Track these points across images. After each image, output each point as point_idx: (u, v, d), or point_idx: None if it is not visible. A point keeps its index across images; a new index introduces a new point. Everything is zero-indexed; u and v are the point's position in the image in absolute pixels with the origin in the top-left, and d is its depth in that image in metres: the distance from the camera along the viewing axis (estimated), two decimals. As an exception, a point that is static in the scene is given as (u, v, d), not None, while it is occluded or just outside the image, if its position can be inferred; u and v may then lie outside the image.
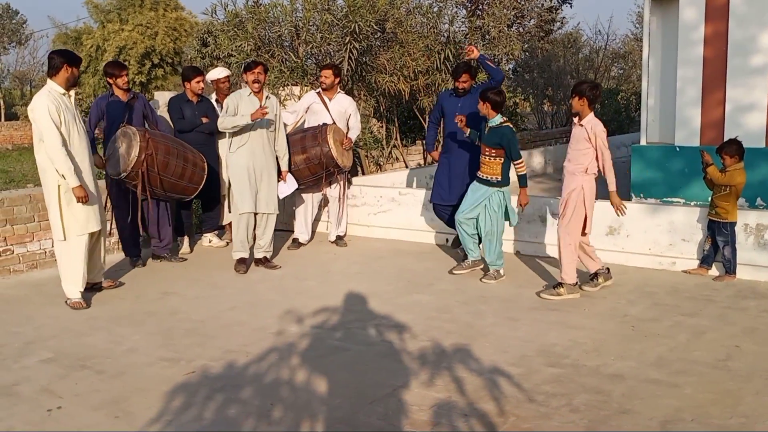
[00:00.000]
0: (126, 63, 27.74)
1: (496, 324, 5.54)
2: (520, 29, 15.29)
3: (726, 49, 9.21)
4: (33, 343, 5.26)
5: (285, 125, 7.69)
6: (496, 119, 6.58)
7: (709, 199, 6.78)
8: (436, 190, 7.51)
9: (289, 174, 7.53)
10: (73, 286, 6.14)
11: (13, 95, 42.42)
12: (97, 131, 7.42)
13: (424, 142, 10.61)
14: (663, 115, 10.02)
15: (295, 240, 8.39)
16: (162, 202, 7.54)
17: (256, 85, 7.03)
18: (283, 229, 8.48)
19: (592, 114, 6.11)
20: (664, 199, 9.62)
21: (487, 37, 11.67)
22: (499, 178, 6.61)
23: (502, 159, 6.56)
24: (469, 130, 6.84)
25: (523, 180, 6.63)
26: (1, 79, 40.02)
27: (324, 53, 10.59)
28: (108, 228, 6.91)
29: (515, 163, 6.54)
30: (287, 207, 8.59)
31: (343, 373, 4.63)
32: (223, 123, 7.05)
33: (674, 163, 9.67)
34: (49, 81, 5.94)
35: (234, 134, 7.10)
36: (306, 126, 8.15)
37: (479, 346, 5.04)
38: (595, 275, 6.39)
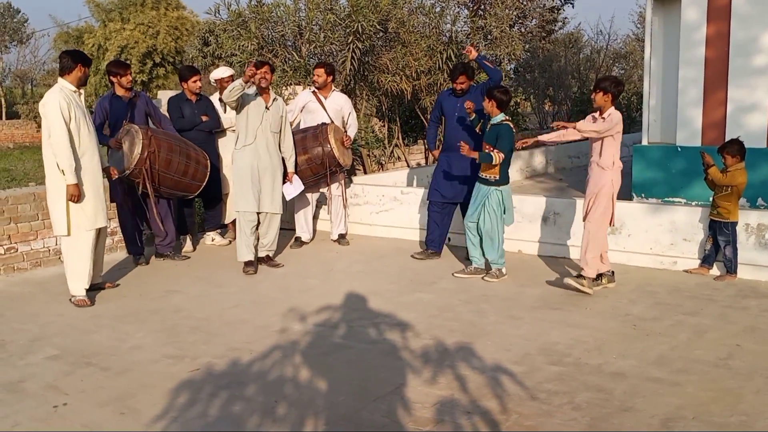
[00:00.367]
0: (127, 62, 27.81)
1: (499, 323, 5.57)
2: (522, 29, 15.32)
3: (728, 50, 9.23)
4: (38, 340, 5.29)
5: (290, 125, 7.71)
6: (498, 117, 6.64)
7: (711, 199, 6.81)
8: (434, 188, 7.54)
9: (295, 175, 7.54)
10: (79, 283, 6.18)
11: (14, 94, 42.44)
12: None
13: (425, 141, 10.63)
14: (664, 116, 10.04)
15: (297, 239, 8.42)
16: (165, 200, 7.57)
17: (263, 81, 7.05)
18: (286, 228, 8.51)
19: (613, 109, 6.16)
20: (666, 198, 9.64)
21: (489, 37, 11.71)
22: (497, 177, 6.64)
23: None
24: (474, 114, 6.89)
25: (487, 157, 6.51)
26: (2, 78, 40.04)
27: (327, 53, 10.63)
28: (110, 226, 6.94)
29: (496, 151, 6.52)
30: (288, 206, 8.61)
31: (347, 370, 4.66)
32: (226, 96, 6.92)
33: (676, 163, 9.69)
34: (60, 79, 6.07)
35: (240, 132, 7.12)
36: (303, 125, 8.16)
37: (482, 345, 5.07)
38: (600, 276, 6.42)
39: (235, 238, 7.74)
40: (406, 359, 4.83)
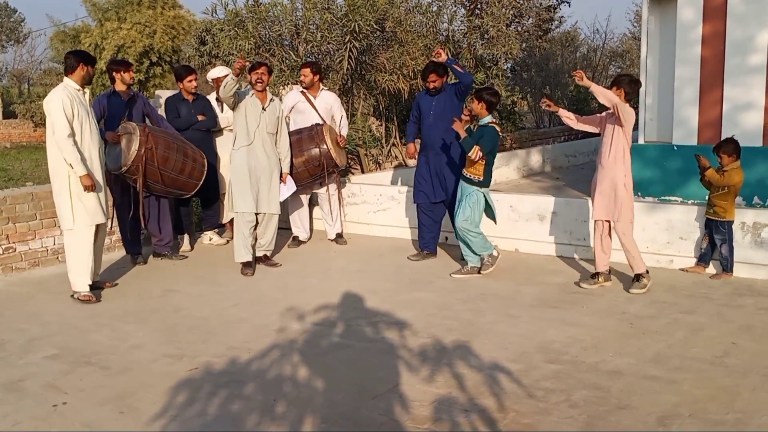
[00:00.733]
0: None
1: (496, 321, 5.59)
2: (519, 28, 15.34)
3: (724, 49, 9.26)
4: (38, 339, 5.31)
5: (288, 125, 7.71)
6: (486, 119, 6.70)
7: (707, 197, 6.84)
8: (418, 191, 7.54)
9: (288, 176, 7.55)
10: (82, 278, 6.24)
11: (11, 93, 42.33)
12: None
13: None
14: (661, 114, 10.07)
15: (295, 238, 8.44)
16: (162, 200, 7.59)
17: (259, 84, 7.07)
18: (283, 227, 8.53)
19: (627, 105, 6.17)
20: (662, 197, 9.67)
21: (485, 36, 11.73)
22: (481, 178, 6.72)
23: (484, 160, 6.66)
24: (463, 132, 6.72)
25: (467, 145, 6.53)
26: (-1, 77, 40.00)
27: (324, 52, 10.64)
28: (110, 225, 6.96)
29: (478, 147, 6.52)
30: (283, 206, 8.62)
31: (345, 369, 4.68)
32: (222, 93, 6.91)
33: (672, 162, 9.72)
34: (65, 78, 6.20)
35: (237, 133, 7.14)
36: (293, 126, 8.14)
37: (479, 343, 5.09)
38: (597, 274, 6.45)
39: (232, 238, 7.76)
40: (404, 358, 4.86)
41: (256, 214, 7.23)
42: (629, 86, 6.17)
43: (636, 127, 10.41)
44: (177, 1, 32.29)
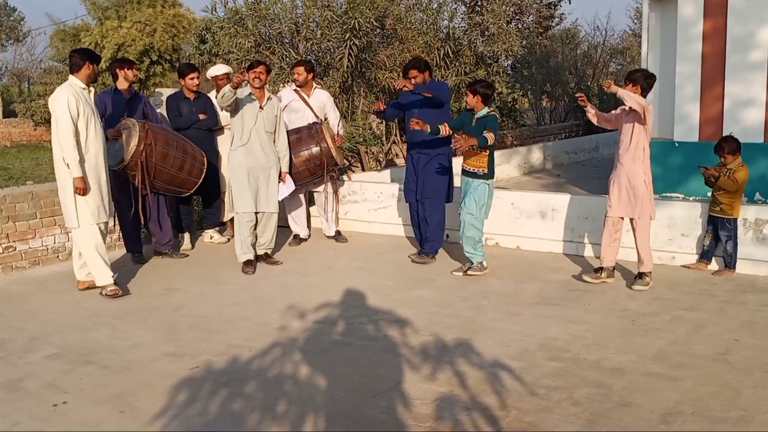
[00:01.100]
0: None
1: (497, 319, 5.58)
2: (519, 25, 15.30)
3: (725, 45, 9.24)
4: (37, 338, 5.29)
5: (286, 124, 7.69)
6: (483, 111, 6.67)
7: (710, 195, 6.81)
8: (409, 189, 7.47)
9: (288, 175, 7.51)
10: (104, 274, 6.29)
11: (11, 92, 42.32)
12: None
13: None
14: (662, 111, 10.04)
15: (296, 236, 8.42)
16: (162, 198, 7.57)
17: (257, 82, 7.05)
18: (284, 225, 8.51)
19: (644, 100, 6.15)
20: (664, 194, 9.65)
21: (486, 33, 11.71)
22: (485, 170, 6.68)
23: (488, 151, 6.62)
24: (427, 127, 6.65)
25: (482, 140, 6.49)
26: (-1, 76, 39.94)
27: (324, 50, 10.62)
28: (111, 224, 6.96)
29: (487, 133, 6.50)
30: (281, 204, 8.59)
31: (346, 367, 4.66)
32: (219, 102, 7.00)
33: (673, 159, 9.70)
34: (71, 77, 6.20)
35: (235, 132, 7.12)
36: (288, 124, 8.10)
37: (480, 341, 5.08)
38: (601, 269, 6.43)
39: (233, 236, 7.74)
40: (406, 356, 4.84)
41: (256, 213, 7.20)
42: (646, 81, 6.14)
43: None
44: (177, -1, 32.23)
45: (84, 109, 6.06)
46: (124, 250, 7.75)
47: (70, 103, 5.96)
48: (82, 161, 6.06)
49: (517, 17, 15.47)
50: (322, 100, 8.19)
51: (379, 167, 11.20)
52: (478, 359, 4.75)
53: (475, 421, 3.90)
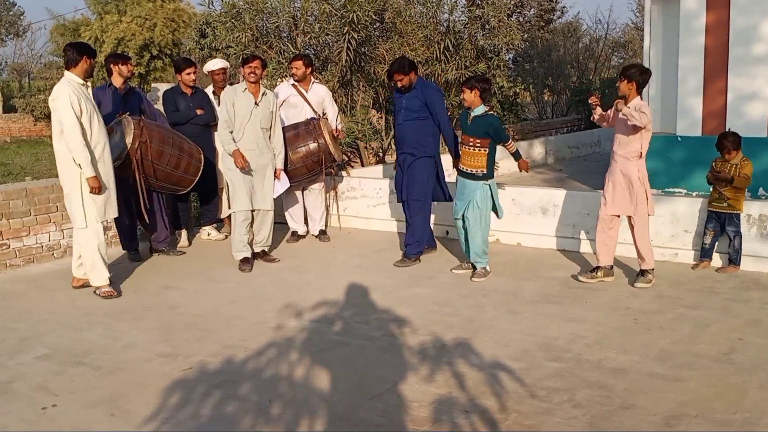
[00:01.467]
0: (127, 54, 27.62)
1: (497, 317, 5.48)
2: (521, 18, 15.20)
3: (728, 38, 9.12)
4: (29, 338, 5.21)
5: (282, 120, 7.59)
6: (480, 109, 6.43)
7: (715, 191, 6.66)
8: (400, 189, 7.32)
9: (282, 172, 7.39)
10: (101, 274, 6.18)
11: (12, 87, 42.20)
12: None
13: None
14: (664, 105, 9.93)
15: (294, 233, 8.33)
16: (158, 195, 7.47)
17: (252, 77, 6.94)
18: (281, 221, 8.42)
19: (639, 98, 6.02)
20: (666, 189, 9.55)
21: (486, 26, 11.59)
22: (484, 171, 6.45)
23: (487, 150, 6.40)
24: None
25: (517, 155, 6.62)
26: (-1, 71, 39.78)
27: (322, 44, 10.51)
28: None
29: (506, 145, 6.45)
30: (278, 201, 8.49)
31: (343, 368, 4.57)
32: (220, 137, 7.06)
33: (676, 153, 9.59)
34: (67, 73, 6.04)
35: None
36: (285, 120, 8.00)
37: (480, 340, 4.98)
38: (597, 268, 6.33)
39: (231, 233, 7.64)
40: (404, 356, 4.75)
41: (252, 211, 7.11)
42: (641, 77, 5.99)
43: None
44: (177, -7, 32.10)
45: (85, 105, 5.93)
46: (119, 248, 7.64)
47: (72, 101, 5.82)
48: (93, 160, 5.96)
49: (518, 10, 15.38)
50: (320, 94, 8.07)
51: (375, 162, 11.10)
52: (477, 360, 4.65)
53: (473, 424, 3.81)
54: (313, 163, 7.69)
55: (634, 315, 5.47)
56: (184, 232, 8.16)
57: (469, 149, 6.45)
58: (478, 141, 6.39)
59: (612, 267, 6.37)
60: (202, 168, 7.45)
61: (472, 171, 6.48)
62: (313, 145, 7.63)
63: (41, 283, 6.66)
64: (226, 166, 7.11)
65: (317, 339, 5.10)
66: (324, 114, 8.06)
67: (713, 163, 6.65)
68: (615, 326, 5.24)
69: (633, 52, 24.29)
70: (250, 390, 4.27)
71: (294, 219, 8.32)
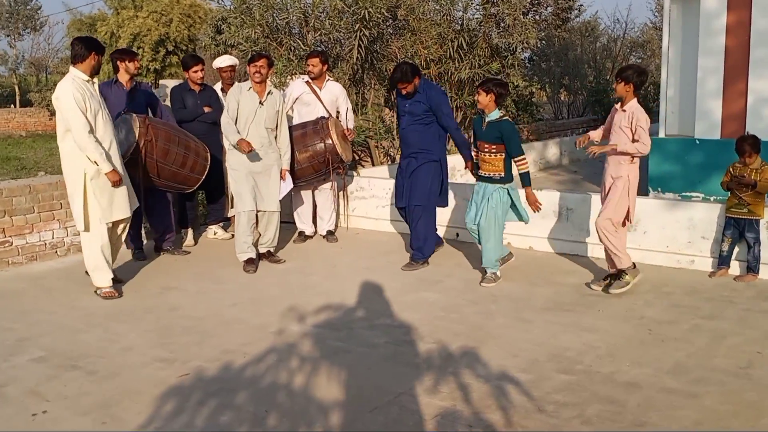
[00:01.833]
0: (140, 50, 27.60)
1: (507, 325, 5.31)
2: (537, 17, 14.97)
3: (749, 39, 8.89)
4: (26, 340, 5.09)
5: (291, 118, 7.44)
6: (495, 114, 6.21)
7: (733, 197, 6.44)
8: (400, 194, 7.14)
9: (287, 173, 7.22)
10: (102, 274, 6.06)
11: (29, 81, 42.38)
12: None
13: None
14: (682, 107, 9.71)
15: (301, 233, 8.18)
16: (165, 193, 7.35)
17: (257, 76, 6.79)
18: (288, 221, 8.28)
19: (635, 100, 5.85)
20: (683, 193, 9.33)
21: (501, 24, 11.38)
22: (502, 174, 6.24)
23: (503, 153, 6.19)
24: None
25: (525, 179, 6.23)
26: (16, 66, 39.83)
27: (333, 41, 10.35)
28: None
29: (516, 160, 6.16)
30: (286, 201, 8.35)
31: (344, 377, 4.41)
32: (224, 130, 6.92)
33: (694, 157, 9.37)
34: (72, 68, 5.88)
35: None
36: (298, 118, 7.84)
37: (488, 350, 4.81)
38: (609, 276, 6.12)
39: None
40: (407, 365, 4.58)
41: (257, 211, 6.96)
42: (638, 78, 5.81)
43: (656, 120, 10.09)
44: (193, -11, 32.06)
45: (90, 103, 5.78)
46: (124, 246, 7.51)
47: (77, 99, 5.67)
48: (108, 156, 5.84)
49: (534, 8, 15.14)
50: (334, 92, 7.91)
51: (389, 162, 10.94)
52: (484, 370, 4.48)
53: (477, 440, 3.64)
54: (319, 163, 7.53)
55: (648, 325, 5.27)
56: (189, 231, 8.03)
57: (485, 155, 6.26)
58: (494, 146, 6.20)
59: (635, 265, 6.11)
60: (208, 166, 7.31)
61: (490, 174, 6.30)
62: (320, 146, 7.46)
63: (43, 282, 6.55)
64: (230, 165, 6.97)
65: (319, 345, 4.94)
66: (338, 112, 7.90)
67: (729, 168, 6.45)
68: (628, 337, 5.05)
69: (651, 52, 23.98)
70: (247, 399, 4.12)
71: (302, 219, 8.18)
